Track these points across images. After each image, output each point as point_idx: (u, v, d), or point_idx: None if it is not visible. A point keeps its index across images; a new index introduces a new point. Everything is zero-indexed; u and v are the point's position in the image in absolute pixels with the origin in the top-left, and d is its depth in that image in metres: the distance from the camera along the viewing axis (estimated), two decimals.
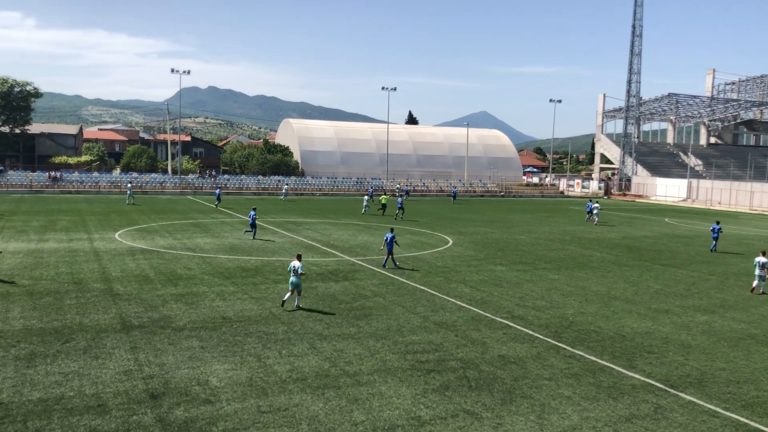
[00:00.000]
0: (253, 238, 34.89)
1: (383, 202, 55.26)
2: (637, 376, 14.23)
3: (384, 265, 27.11)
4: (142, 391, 12.31)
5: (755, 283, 24.46)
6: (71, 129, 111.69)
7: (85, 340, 15.35)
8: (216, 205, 56.06)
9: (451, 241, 36.11)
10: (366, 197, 56.20)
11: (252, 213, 36.25)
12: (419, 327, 17.60)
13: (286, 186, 74.23)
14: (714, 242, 36.46)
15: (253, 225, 35.56)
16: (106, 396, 12.00)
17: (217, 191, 57.85)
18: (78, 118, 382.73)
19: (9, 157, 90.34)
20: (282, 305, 19.39)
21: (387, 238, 26.93)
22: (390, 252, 27.00)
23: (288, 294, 19.41)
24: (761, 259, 24.18)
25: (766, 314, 20.79)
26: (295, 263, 19.14)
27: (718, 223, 37.19)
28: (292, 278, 19.16)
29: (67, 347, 14.81)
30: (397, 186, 78.48)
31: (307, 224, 43.39)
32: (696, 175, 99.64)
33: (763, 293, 24.28)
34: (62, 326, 16.51)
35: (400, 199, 52.42)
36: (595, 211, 51.35)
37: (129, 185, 61.07)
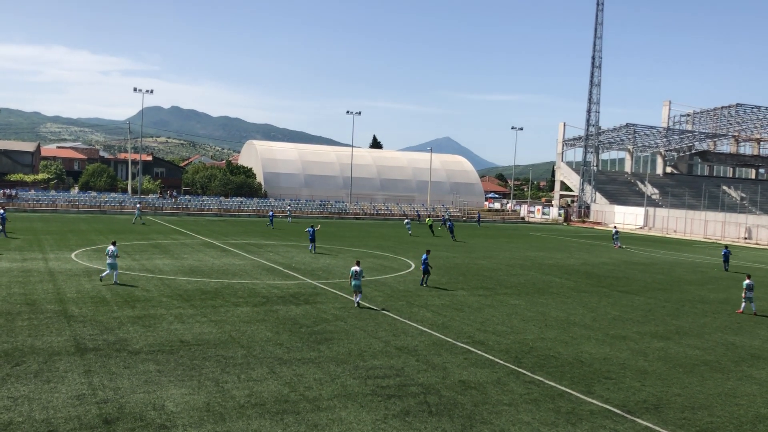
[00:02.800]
0: (313, 251, 39.76)
1: (429, 224, 61.47)
2: (595, 401, 14.39)
3: (422, 284, 28.94)
4: (95, 416, 11.97)
5: (743, 305, 26.33)
6: (28, 146, 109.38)
7: (36, 363, 14.90)
8: (268, 226, 60.85)
9: (413, 265, 36.20)
10: (407, 220, 62.67)
11: (310, 229, 40.87)
12: (380, 351, 17.54)
13: (289, 208, 77.62)
14: (726, 264, 41.59)
15: (313, 240, 40.26)
16: (57, 421, 11.64)
17: (270, 213, 63.99)
18: (36, 135, 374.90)
19: None
20: (358, 306, 23.28)
21: (424, 259, 28.56)
22: (425, 272, 28.60)
23: (356, 296, 23.57)
24: (748, 281, 26.06)
25: (719, 341, 21.28)
26: (356, 268, 23.34)
27: (726, 247, 42.83)
28: (354, 281, 23.17)
29: (18, 370, 14.35)
30: (448, 211, 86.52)
31: (269, 246, 43.06)
32: (653, 203, 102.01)
33: (755, 314, 26.00)
34: (13, 348, 16.01)
35: (450, 223, 56.94)
36: (616, 236, 57.75)
37: (138, 205, 63.44)
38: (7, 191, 72.74)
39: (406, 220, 63.21)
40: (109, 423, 11.67)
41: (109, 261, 25.78)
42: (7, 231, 42.69)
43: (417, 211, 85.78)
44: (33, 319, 19.16)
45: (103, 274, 26.21)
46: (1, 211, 43.86)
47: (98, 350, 16.25)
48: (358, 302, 23.58)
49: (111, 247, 26.03)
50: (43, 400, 12.66)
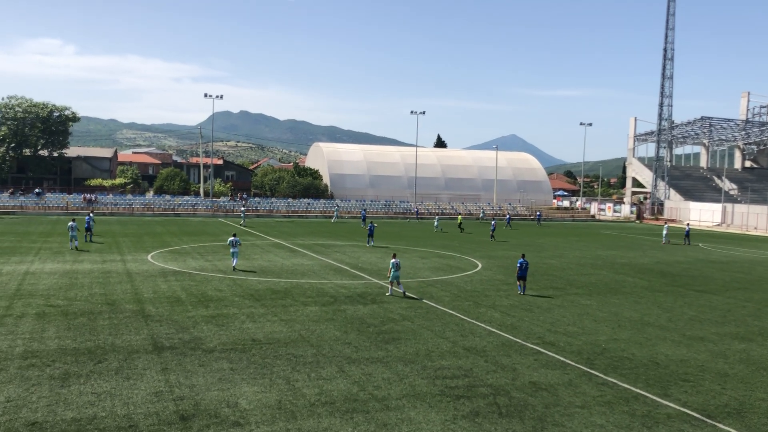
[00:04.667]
0: (370, 245, 44.23)
1: (459, 222, 64.33)
2: (672, 404, 13.92)
3: (522, 292, 26.88)
4: (172, 412, 12.38)
5: None
6: (106, 152, 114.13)
7: (117, 361, 15.53)
8: (363, 226, 62.66)
9: (480, 265, 35.89)
10: (437, 217, 68.44)
11: (371, 225, 45.94)
12: (448, 352, 17.46)
13: (336, 208, 79.07)
14: None
15: (371, 235, 45.09)
16: (137, 417, 12.10)
17: (363, 213, 68.71)
18: (113, 142, 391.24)
19: (47, 179, 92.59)
20: (404, 295, 25.13)
21: (520, 264, 26.77)
22: (521, 277, 26.82)
23: (390, 287, 25.49)
24: None
25: None
26: (394, 260, 25.21)
27: None
28: (394, 272, 25.01)
29: (100, 367, 14.99)
30: (482, 210, 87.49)
31: (336, 247, 43.51)
32: (731, 199, 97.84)
33: None
34: (95, 347, 16.73)
35: (493, 222, 56.48)
36: (665, 232, 58.73)
37: (243, 208, 69.11)
38: (88, 196, 76.13)
39: (436, 217, 68.40)
40: (186, 419, 12.05)
41: (232, 250, 30.94)
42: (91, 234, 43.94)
43: (416, 209, 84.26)
44: (113, 319, 19.98)
45: (234, 263, 30.92)
46: (89, 215, 45.49)
47: (174, 348, 16.80)
48: (404, 292, 25.39)
49: (231, 238, 31.36)
50: (123, 396, 13.19)
